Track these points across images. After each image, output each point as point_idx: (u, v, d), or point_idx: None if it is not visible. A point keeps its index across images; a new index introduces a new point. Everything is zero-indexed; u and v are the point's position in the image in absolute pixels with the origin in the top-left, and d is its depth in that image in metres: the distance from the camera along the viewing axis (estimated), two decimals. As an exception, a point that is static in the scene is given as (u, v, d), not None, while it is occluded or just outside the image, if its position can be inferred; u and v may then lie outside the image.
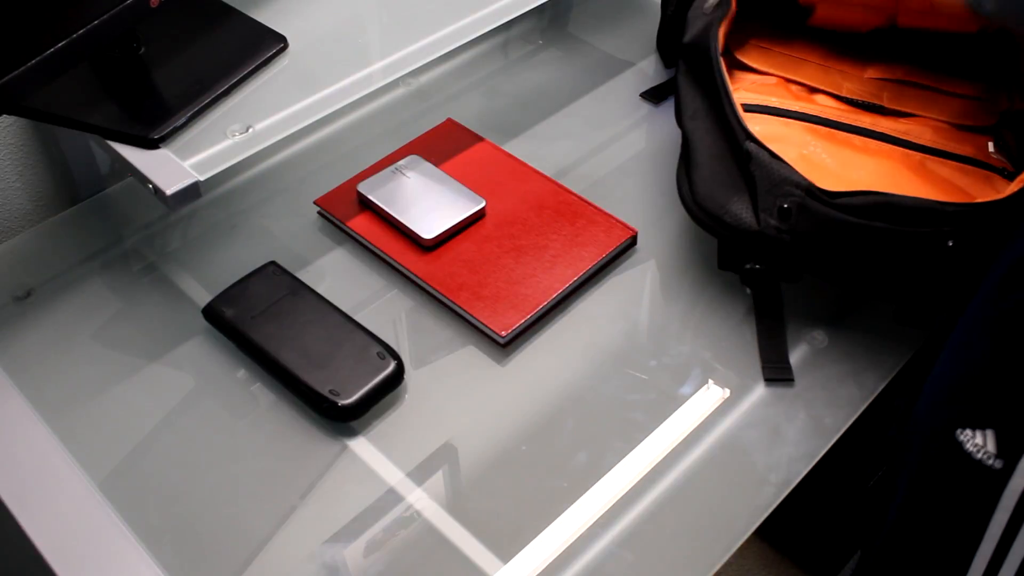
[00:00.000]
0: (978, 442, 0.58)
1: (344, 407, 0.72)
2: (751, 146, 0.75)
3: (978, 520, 0.59)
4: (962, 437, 0.59)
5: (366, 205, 0.88)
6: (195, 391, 0.76)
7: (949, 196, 0.79)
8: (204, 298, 0.81)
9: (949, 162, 0.83)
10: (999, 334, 0.58)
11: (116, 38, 0.78)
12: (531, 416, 0.75)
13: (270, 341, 0.76)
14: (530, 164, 0.92)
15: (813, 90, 0.90)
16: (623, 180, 0.93)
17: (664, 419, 0.75)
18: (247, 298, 0.79)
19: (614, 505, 0.69)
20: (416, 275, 0.83)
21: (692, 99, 0.84)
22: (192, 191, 0.73)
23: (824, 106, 0.88)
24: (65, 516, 0.68)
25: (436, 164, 0.91)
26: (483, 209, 0.87)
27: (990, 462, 0.58)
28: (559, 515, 0.69)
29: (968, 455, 0.59)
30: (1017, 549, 0.58)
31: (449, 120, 0.98)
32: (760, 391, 0.77)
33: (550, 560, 0.66)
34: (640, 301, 0.84)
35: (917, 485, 0.66)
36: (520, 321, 0.79)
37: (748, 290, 0.83)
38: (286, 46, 0.85)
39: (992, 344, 0.59)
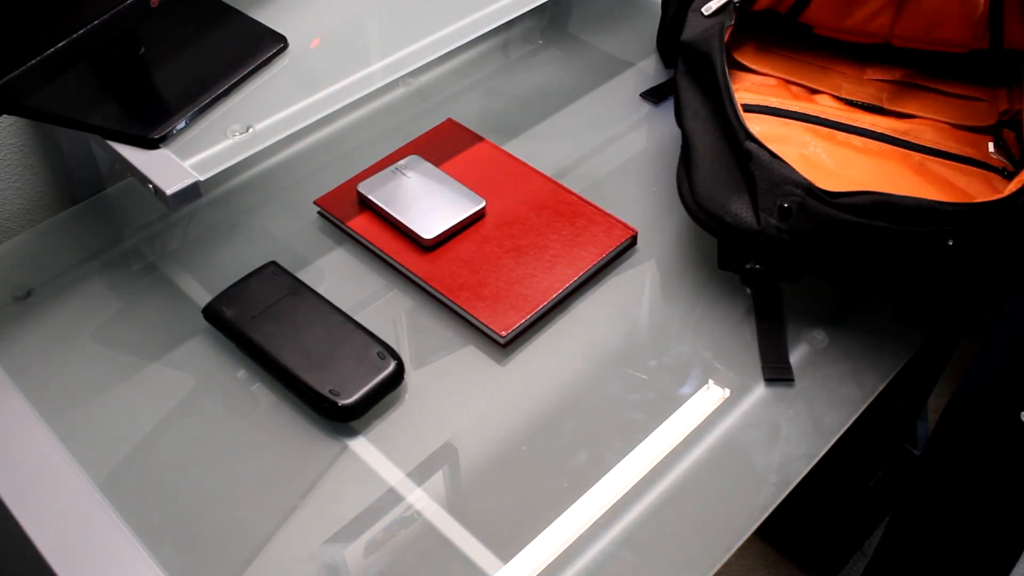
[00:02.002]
0: None
1: (344, 407, 0.72)
2: (751, 146, 0.75)
3: None
4: None
5: (366, 205, 0.88)
6: (195, 391, 0.76)
7: (949, 196, 0.79)
8: (204, 298, 0.81)
9: (949, 162, 0.83)
10: None
11: (116, 38, 0.78)
12: (531, 416, 0.75)
13: (270, 341, 0.76)
14: (530, 164, 0.92)
15: (813, 91, 0.90)
16: (623, 180, 0.93)
17: (664, 419, 0.75)
18: (247, 298, 0.79)
19: (614, 505, 0.69)
20: (416, 275, 0.83)
21: (692, 99, 0.84)
22: (192, 191, 0.73)
23: (824, 106, 0.88)
24: (65, 516, 0.68)
25: (436, 164, 0.91)
26: (483, 209, 0.87)
27: None
28: (559, 515, 0.69)
29: None
30: None
31: (449, 120, 0.98)
32: (760, 391, 0.77)
33: (550, 560, 0.66)
34: (640, 301, 0.84)
35: (976, 465, 0.66)
36: (520, 321, 0.79)
37: (748, 290, 0.83)
38: (286, 46, 0.85)
39: None
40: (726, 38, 0.83)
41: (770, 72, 0.92)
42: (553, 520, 0.68)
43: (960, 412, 0.68)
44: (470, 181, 0.89)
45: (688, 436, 0.74)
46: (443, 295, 0.81)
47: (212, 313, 0.79)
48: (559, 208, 0.88)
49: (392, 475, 0.71)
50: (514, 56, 1.08)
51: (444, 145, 0.95)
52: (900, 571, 0.77)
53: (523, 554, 0.67)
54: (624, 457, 0.72)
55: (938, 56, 0.90)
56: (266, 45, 0.84)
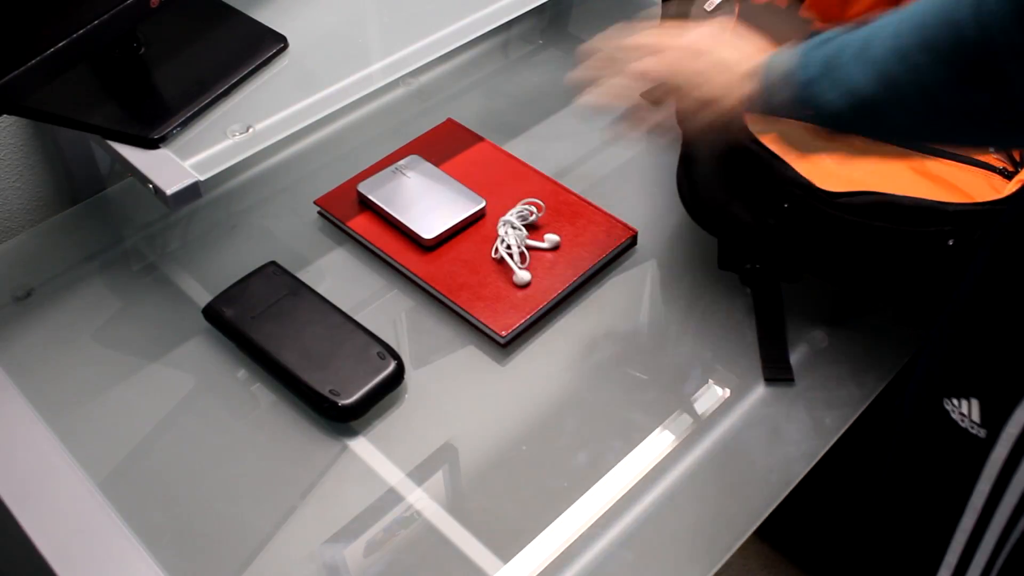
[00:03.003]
0: (963, 411, 0.59)
1: (344, 407, 0.72)
2: (751, 145, 0.75)
3: (962, 490, 0.60)
4: (948, 406, 0.60)
5: (366, 205, 0.88)
6: (195, 391, 0.76)
7: (949, 196, 0.79)
8: (204, 298, 0.81)
9: (949, 162, 0.82)
10: (984, 310, 0.59)
11: (116, 38, 0.78)
12: (531, 416, 0.75)
13: (270, 341, 0.76)
14: (530, 164, 0.92)
15: (813, 90, 0.90)
16: (623, 180, 0.93)
17: (664, 419, 0.75)
18: (247, 298, 0.79)
19: (614, 505, 0.69)
20: (416, 275, 0.83)
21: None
22: (192, 191, 0.73)
23: (824, 106, 0.88)
24: (65, 516, 0.68)
25: (436, 164, 0.91)
26: (483, 209, 0.87)
27: (974, 431, 0.59)
28: (559, 515, 0.69)
29: (954, 424, 0.60)
30: (998, 520, 0.59)
31: (449, 120, 0.98)
32: (760, 391, 0.77)
33: (550, 560, 0.66)
34: (640, 301, 0.84)
35: (905, 455, 0.67)
36: (520, 321, 0.79)
37: (748, 290, 0.83)
38: (286, 46, 0.85)
39: (978, 319, 0.60)
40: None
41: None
42: (553, 520, 0.68)
43: (902, 400, 0.68)
44: (470, 181, 0.89)
45: (688, 436, 0.74)
46: (443, 295, 0.81)
47: (212, 313, 0.79)
48: (559, 208, 0.88)
49: (392, 475, 0.71)
50: (514, 56, 1.08)
51: (444, 145, 0.95)
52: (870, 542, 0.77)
53: (523, 554, 0.67)
54: (624, 457, 0.72)
55: None
56: (266, 45, 0.84)
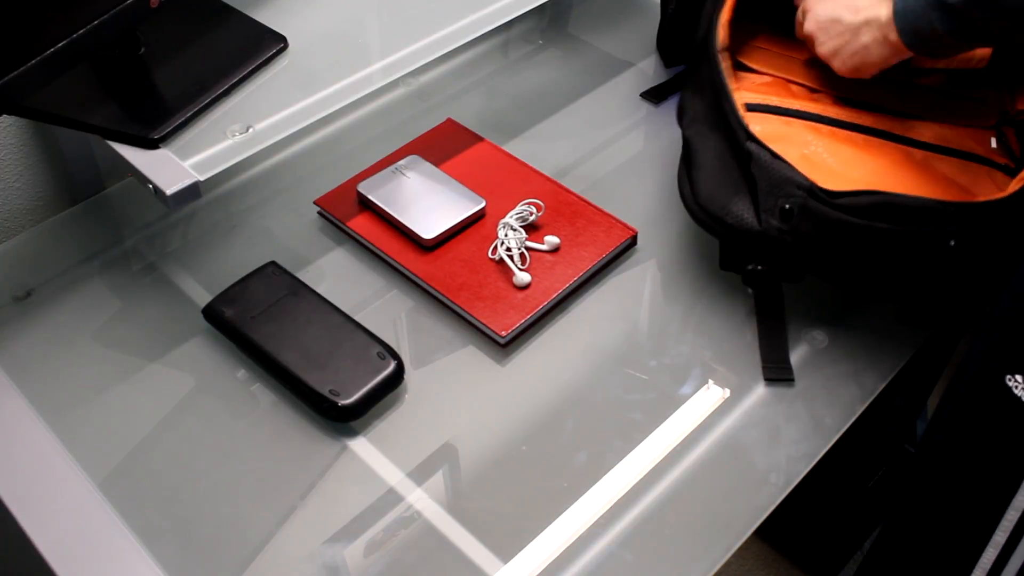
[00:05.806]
0: None
1: (344, 407, 0.72)
2: (752, 146, 0.75)
3: (1017, 466, 0.60)
4: (1011, 383, 0.61)
5: (366, 205, 0.88)
6: (195, 391, 0.76)
7: (951, 194, 0.79)
8: (204, 298, 0.81)
9: (952, 159, 0.82)
10: None
11: (116, 38, 0.78)
12: (531, 416, 0.75)
13: (270, 341, 0.76)
14: (530, 164, 0.92)
15: (813, 91, 0.90)
16: (623, 180, 0.93)
17: (664, 419, 0.75)
18: (247, 298, 0.79)
19: (614, 505, 0.69)
20: (416, 275, 0.83)
21: (697, 99, 0.84)
22: (192, 191, 0.73)
23: (825, 105, 0.88)
24: (65, 516, 0.68)
25: (436, 164, 0.91)
26: (483, 209, 0.87)
27: None
28: (559, 515, 0.69)
29: (1016, 399, 0.60)
30: None
31: (449, 120, 0.98)
32: (760, 391, 0.77)
33: (550, 560, 0.66)
34: (640, 301, 0.84)
35: (962, 430, 0.67)
36: (520, 321, 0.79)
37: (749, 290, 0.82)
38: (286, 46, 0.85)
39: None
40: (725, 19, 0.82)
41: (770, 72, 0.91)
42: (553, 520, 0.68)
43: (956, 378, 0.69)
44: (470, 181, 0.89)
45: (688, 436, 0.74)
46: (443, 295, 0.81)
47: (212, 313, 0.79)
48: (559, 208, 0.88)
49: (392, 475, 0.71)
50: (514, 56, 1.08)
51: (444, 145, 0.95)
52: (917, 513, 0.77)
53: (523, 554, 0.67)
54: (624, 457, 0.72)
55: None
56: (266, 45, 0.84)
